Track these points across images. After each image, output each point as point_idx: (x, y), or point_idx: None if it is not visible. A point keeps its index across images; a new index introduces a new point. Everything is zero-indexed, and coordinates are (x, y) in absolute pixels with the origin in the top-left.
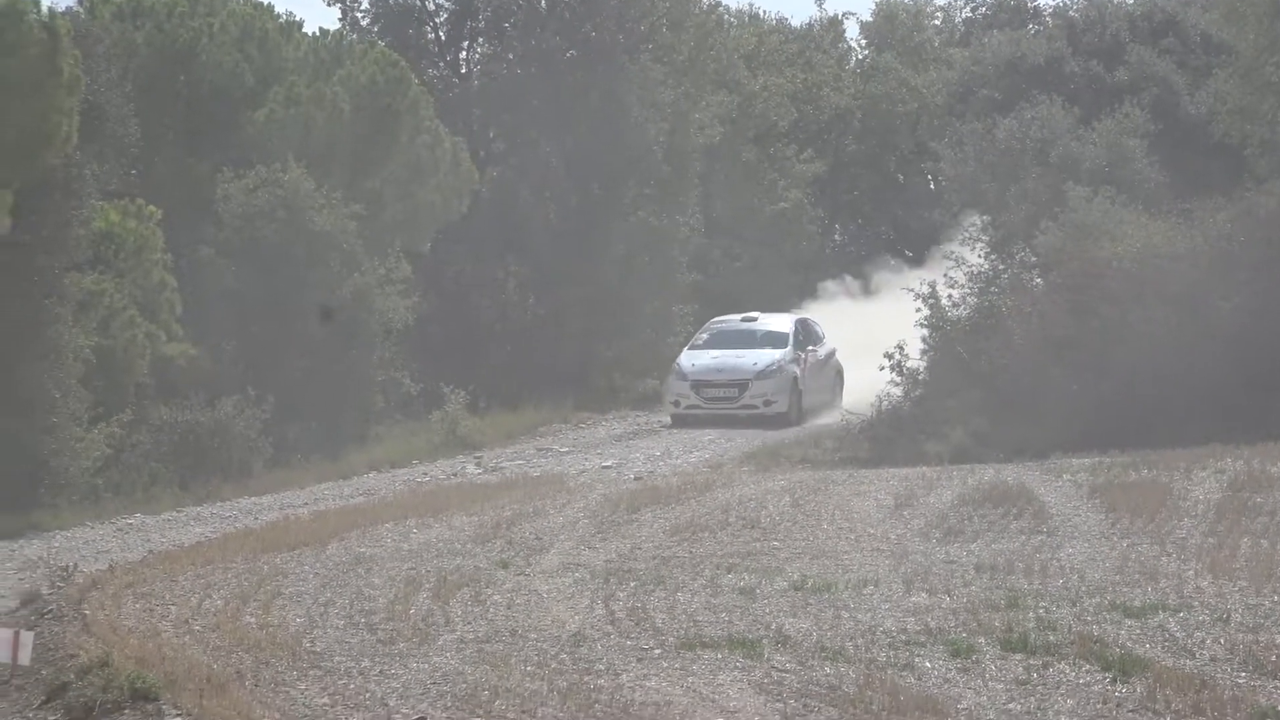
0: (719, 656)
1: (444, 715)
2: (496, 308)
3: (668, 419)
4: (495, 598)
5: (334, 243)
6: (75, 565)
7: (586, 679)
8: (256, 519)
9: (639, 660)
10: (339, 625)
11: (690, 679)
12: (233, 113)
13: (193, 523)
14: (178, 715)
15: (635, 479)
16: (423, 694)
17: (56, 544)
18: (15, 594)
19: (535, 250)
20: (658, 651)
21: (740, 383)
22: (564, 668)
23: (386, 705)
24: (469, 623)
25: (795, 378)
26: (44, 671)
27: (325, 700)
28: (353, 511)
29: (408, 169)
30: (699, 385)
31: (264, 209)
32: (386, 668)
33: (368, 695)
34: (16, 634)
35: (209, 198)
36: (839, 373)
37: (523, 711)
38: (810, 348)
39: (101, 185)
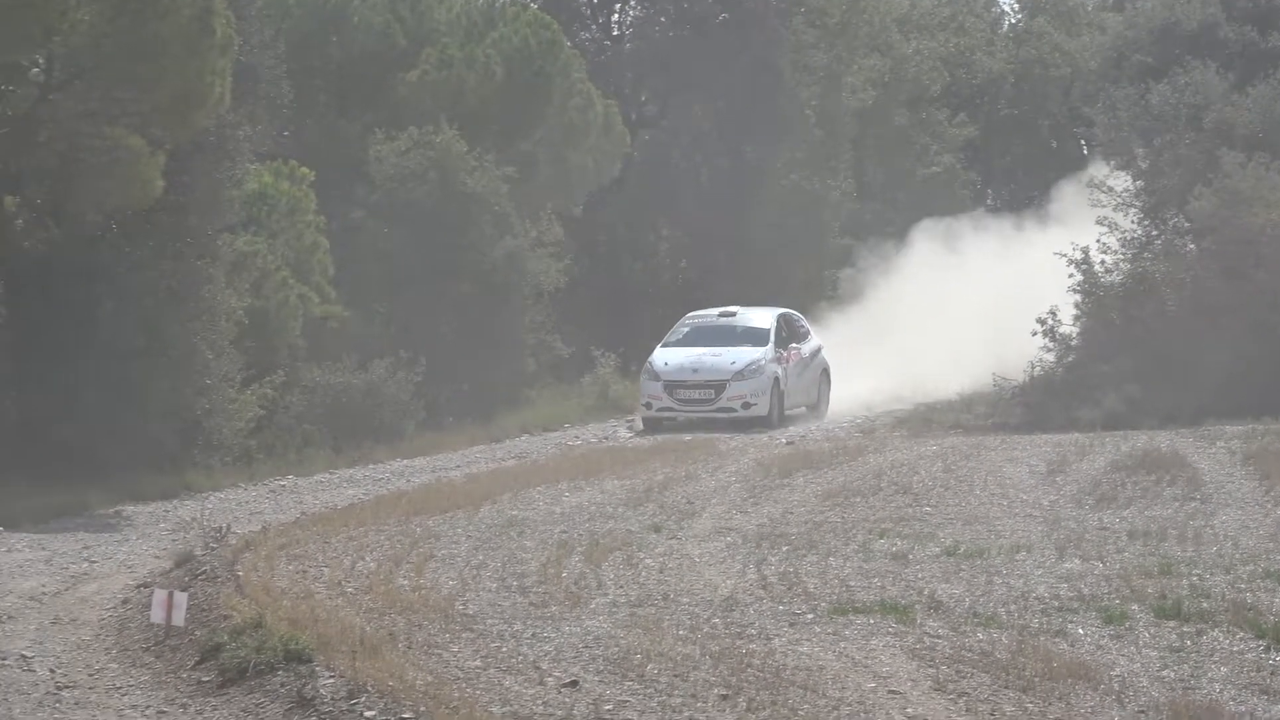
0: (871, 622)
1: (596, 679)
2: (648, 271)
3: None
4: (647, 561)
5: (486, 205)
6: (229, 526)
7: (738, 643)
8: (409, 481)
9: (791, 625)
10: (491, 588)
11: (842, 644)
12: (384, 74)
13: (345, 485)
14: (331, 677)
15: (787, 443)
16: (575, 657)
17: (210, 505)
18: (169, 555)
19: (687, 213)
20: (810, 616)
21: (717, 384)
22: (716, 632)
23: (539, 668)
24: (621, 586)
25: (777, 378)
26: (198, 632)
27: (478, 663)
28: (504, 474)
29: (560, 131)
30: (672, 386)
31: (416, 171)
32: (539, 631)
33: (520, 658)
34: (170, 595)
35: (361, 159)
36: (825, 372)
37: (675, 676)
38: (794, 345)
39: (254, 147)
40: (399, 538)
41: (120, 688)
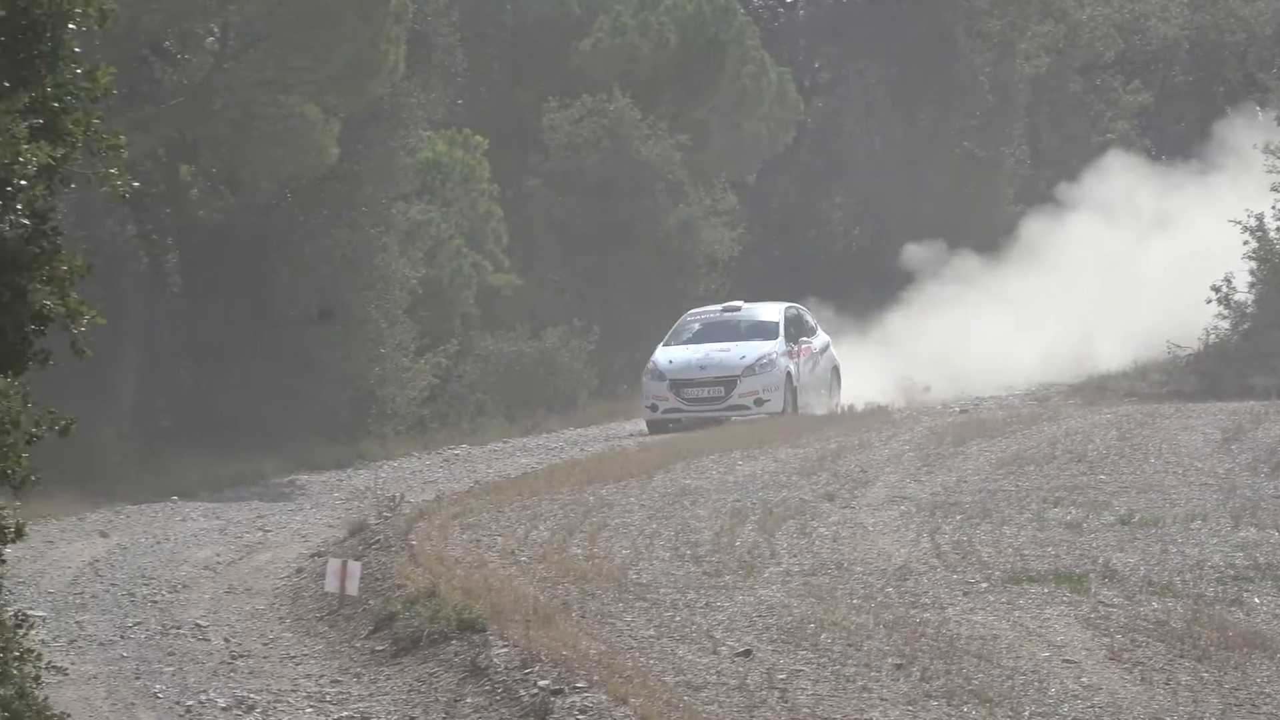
0: (1045, 591)
1: (770, 648)
2: (821, 239)
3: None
4: (820, 530)
5: (659, 173)
6: (402, 495)
7: (912, 612)
8: (582, 450)
9: (965, 594)
10: (664, 557)
11: (1016, 613)
12: (558, 42)
13: (518, 453)
14: (504, 646)
15: (961, 412)
16: (748, 626)
17: (383, 474)
18: (343, 524)
19: (860, 181)
20: (984, 585)
21: (727, 380)
22: (890, 601)
23: (712, 638)
24: (794, 555)
25: (789, 372)
26: (371, 601)
27: (651, 632)
28: (677, 443)
29: (733, 99)
30: (678, 385)
31: (589, 139)
32: (712, 600)
33: (693, 627)
34: (344, 564)
35: (534, 127)
36: (835, 369)
37: (848, 645)
38: (803, 340)
39: (427, 115)
40: (572, 507)
41: (294, 657)
